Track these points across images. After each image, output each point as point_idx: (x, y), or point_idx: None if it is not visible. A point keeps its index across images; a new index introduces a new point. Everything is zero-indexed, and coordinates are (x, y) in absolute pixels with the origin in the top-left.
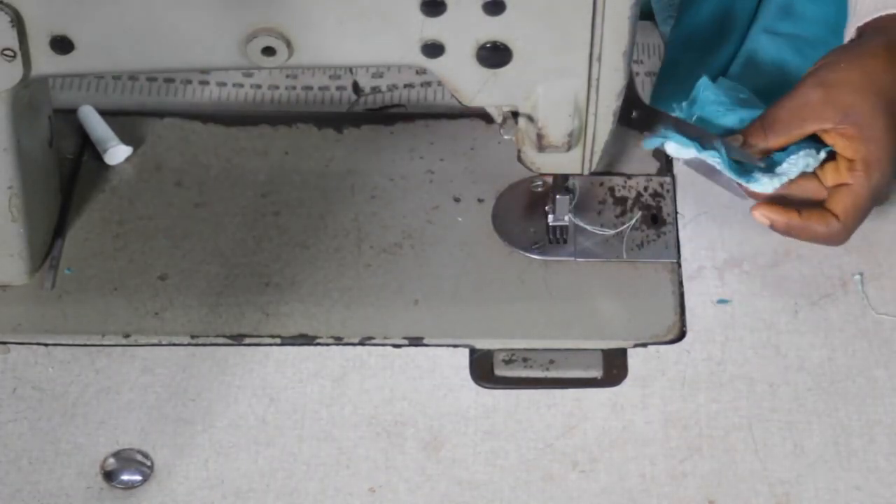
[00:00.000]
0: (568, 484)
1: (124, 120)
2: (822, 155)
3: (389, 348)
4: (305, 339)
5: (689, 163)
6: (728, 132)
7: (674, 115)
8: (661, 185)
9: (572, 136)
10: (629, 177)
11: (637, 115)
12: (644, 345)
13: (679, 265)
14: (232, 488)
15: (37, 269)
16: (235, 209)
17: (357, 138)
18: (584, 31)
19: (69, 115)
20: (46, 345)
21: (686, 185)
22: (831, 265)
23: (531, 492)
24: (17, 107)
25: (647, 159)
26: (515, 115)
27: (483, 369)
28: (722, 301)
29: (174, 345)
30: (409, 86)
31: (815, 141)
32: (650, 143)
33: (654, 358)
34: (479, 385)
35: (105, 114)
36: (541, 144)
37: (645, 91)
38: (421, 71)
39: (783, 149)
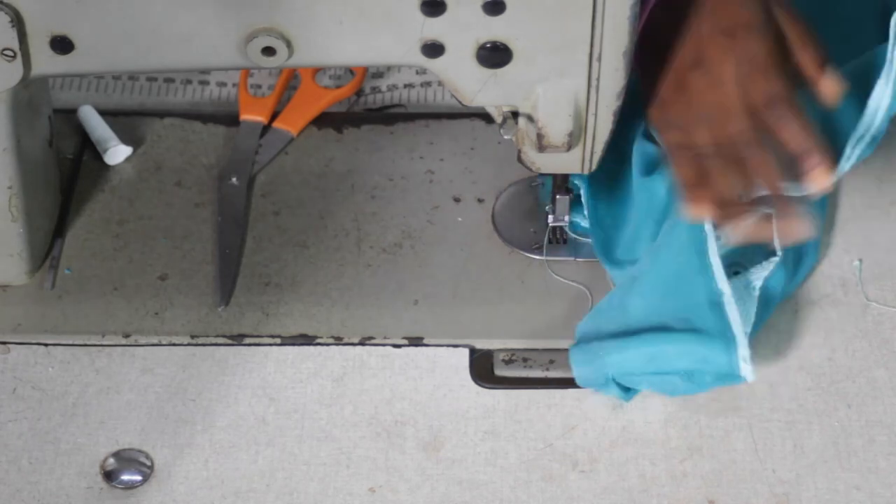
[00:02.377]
0: (568, 484)
1: (124, 120)
2: None
3: (389, 348)
4: (305, 339)
5: None
6: None
7: None
8: None
9: (572, 136)
10: None
11: None
12: None
13: None
14: (232, 488)
15: (37, 269)
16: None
17: (357, 138)
18: (584, 31)
19: (69, 115)
20: (46, 345)
21: None
22: (831, 265)
23: (531, 492)
24: (17, 107)
25: None
26: (515, 115)
27: (483, 369)
28: None
29: (174, 345)
30: (409, 86)
31: None
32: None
33: None
34: (479, 385)
35: (105, 114)
36: (541, 144)
37: None
38: (421, 71)
39: None
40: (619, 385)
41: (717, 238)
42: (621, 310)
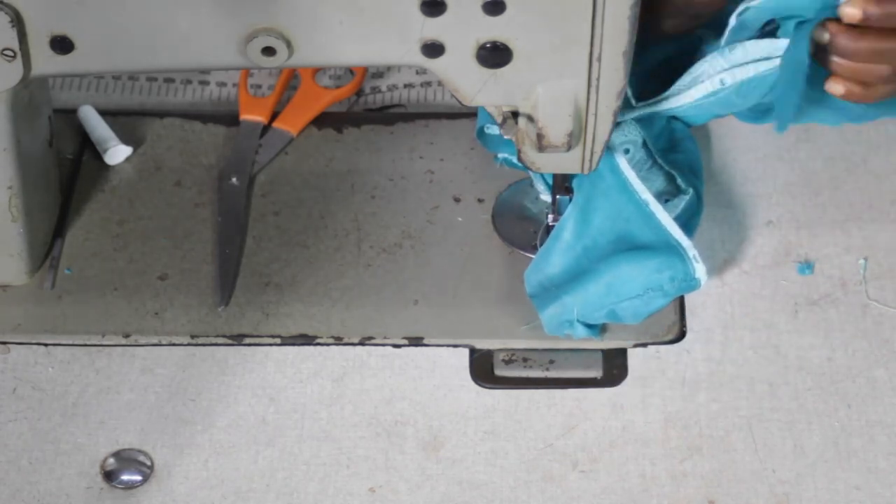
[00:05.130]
0: (568, 484)
1: (124, 120)
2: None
3: (389, 348)
4: (305, 339)
5: None
6: None
7: None
8: None
9: (572, 136)
10: None
11: None
12: (644, 345)
13: None
14: (232, 488)
15: (37, 269)
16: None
17: (357, 138)
18: (584, 31)
19: (69, 115)
20: (46, 345)
21: None
22: (832, 265)
23: (531, 492)
24: (17, 107)
25: None
26: (515, 115)
27: (483, 369)
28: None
29: (174, 345)
30: (409, 86)
31: None
32: None
33: (654, 358)
34: (479, 385)
35: (105, 114)
36: (541, 144)
37: None
38: (421, 71)
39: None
40: (583, 324)
41: (626, 151)
42: (564, 250)
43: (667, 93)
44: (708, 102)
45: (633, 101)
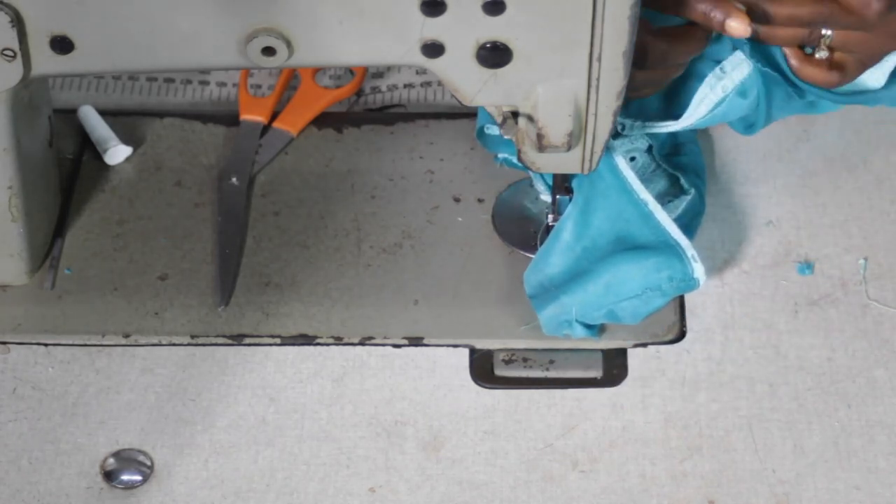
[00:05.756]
0: (568, 484)
1: (124, 120)
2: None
3: (389, 348)
4: (305, 339)
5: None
6: None
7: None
8: None
9: (572, 136)
10: None
11: None
12: (644, 345)
13: None
14: (232, 488)
15: (37, 269)
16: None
17: (357, 138)
18: (584, 31)
19: (69, 115)
20: (46, 345)
21: None
22: (832, 265)
23: (531, 492)
24: (17, 107)
25: None
26: (515, 115)
27: (483, 369)
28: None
29: (174, 345)
30: (409, 86)
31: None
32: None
33: (654, 358)
34: (479, 385)
35: (105, 114)
36: (541, 144)
37: None
38: (421, 71)
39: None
40: (582, 324)
41: (631, 159)
42: (563, 250)
43: (672, 122)
44: (711, 116)
45: (642, 122)
